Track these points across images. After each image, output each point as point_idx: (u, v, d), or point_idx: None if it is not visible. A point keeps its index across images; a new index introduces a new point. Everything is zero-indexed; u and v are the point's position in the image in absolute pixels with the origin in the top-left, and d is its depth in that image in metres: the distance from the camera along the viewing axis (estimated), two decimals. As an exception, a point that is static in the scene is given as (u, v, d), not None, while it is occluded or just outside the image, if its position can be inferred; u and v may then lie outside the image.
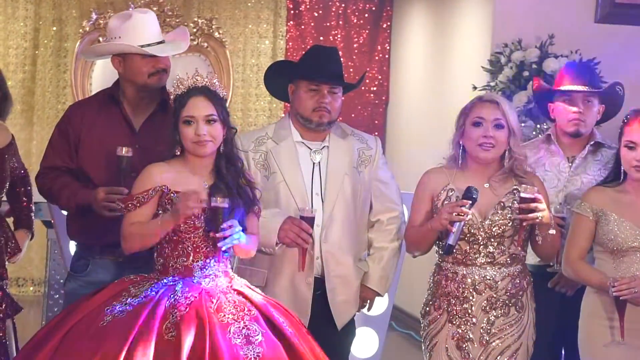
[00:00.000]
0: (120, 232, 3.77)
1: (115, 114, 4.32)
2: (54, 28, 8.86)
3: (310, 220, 4.04)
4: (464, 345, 3.98)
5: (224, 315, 3.56)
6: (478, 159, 4.01)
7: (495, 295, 3.97)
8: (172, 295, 3.60)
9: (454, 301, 4.00)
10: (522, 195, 3.88)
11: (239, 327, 3.52)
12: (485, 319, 3.97)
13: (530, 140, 4.83)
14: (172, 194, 3.72)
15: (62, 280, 5.01)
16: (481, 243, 3.96)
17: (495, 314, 3.97)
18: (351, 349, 4.40)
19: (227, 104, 9.26)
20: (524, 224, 3.91)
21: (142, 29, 4.28)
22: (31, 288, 8.86)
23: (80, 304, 3.66)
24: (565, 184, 4.44)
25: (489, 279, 3.98)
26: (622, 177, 4.06)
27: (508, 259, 3.99)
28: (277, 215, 4.10)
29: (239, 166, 3.85)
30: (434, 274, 4.10)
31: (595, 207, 4.03)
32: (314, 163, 4.21)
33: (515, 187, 4.00)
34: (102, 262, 4.23)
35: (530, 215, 3.87)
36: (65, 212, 4.53)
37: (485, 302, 3.97)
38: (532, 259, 4.34)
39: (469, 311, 3.97)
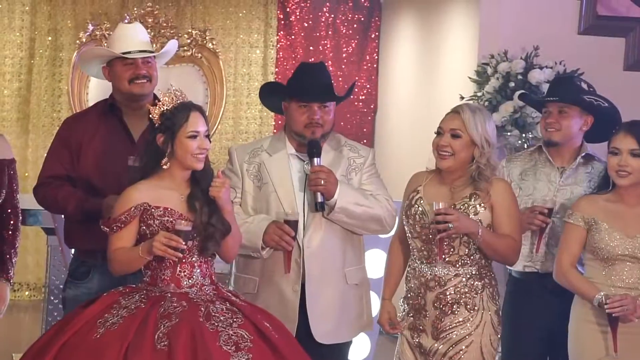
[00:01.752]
0: (107, 255, 3.83)
1: (115, 124, 4.42)
2: (49, 38, 8.86)
3: (294, 224, 4.13)
4: (417, 335, 4.14)
5: (214, 323, 3.61)
6: (439, 165, 4.15)
7: (444, 293, 4.10)
8: (162, 306, 3.64)
9: (412, 295, 4.16)
10: (435, 208, 3.99)
11: (228, 334, 3.58)
12: (435, 315, 4.10)
13: (522, 150, 4.93)
14: (152, 210, 3.77)
15: (61, 286, 5.09)
16: (431, 242, 4.10)
17: (444, 310, 4.09)
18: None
19: (220, 113, 9.22)
20: (438, 235, 4.01)
21: (124, 37, 4.42)
22: (27, 293, 8.88)
23: (74, 316, 3.70)
24: (555, 194, 4.52)
25: (439, 277, 4.11)
26: (611, 186, 4.18)
27: (459, 260, 4.10)
28: (263, 220, 4.19)
29: (210, 173, 3.91)
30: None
31: (586, 216, 4.13)
32: (306, 175, 4.26)
33: (472, 192, 4.09)
34: (106, 268, 4.17)
35: (442, 225, 3.97)
36: (64, 220, 4.57)
37: (435, 298, 4.10)
38: (519, 265, 4.49)
39: (422, 304, 4.12)
